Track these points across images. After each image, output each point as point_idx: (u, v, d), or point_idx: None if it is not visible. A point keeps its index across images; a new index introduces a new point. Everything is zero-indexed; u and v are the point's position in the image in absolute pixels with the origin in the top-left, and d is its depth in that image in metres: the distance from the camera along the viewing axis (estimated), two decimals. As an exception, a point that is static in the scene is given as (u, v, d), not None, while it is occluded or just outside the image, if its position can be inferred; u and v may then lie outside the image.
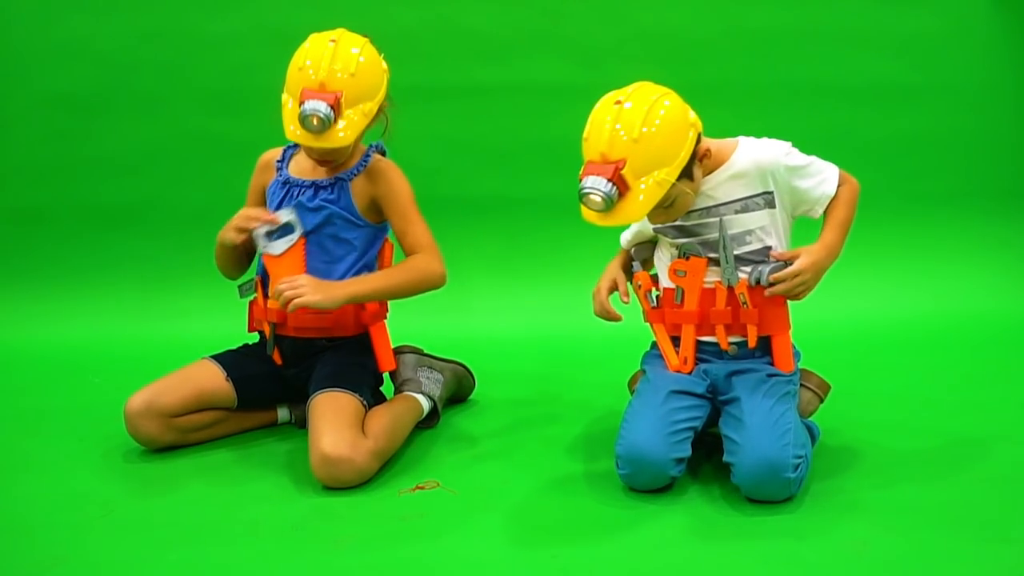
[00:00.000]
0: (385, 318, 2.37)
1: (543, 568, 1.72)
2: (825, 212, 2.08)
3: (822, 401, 2.19)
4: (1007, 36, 3.49)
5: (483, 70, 3.42)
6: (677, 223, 2.06)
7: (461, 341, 2.88)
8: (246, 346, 2.41)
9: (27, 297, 3.34)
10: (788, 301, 2.08)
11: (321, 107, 2.12)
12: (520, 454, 2.25)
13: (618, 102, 1.93)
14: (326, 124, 2.13)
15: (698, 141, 1.97)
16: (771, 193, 2.03)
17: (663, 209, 1.99)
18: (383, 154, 2.36)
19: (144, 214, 3.39)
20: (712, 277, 2.06)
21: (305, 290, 2.14)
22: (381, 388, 2.40)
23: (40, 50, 3.38)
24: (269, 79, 3.40)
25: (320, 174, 2.31)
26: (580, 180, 1.91)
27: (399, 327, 2.47)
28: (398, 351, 2.46)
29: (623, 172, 1.88)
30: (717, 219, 2.03)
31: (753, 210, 2.03)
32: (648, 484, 1.97)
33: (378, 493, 2.04)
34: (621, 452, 1.98)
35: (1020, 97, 3.50)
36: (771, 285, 2.01)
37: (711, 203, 2.04)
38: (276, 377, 2.35)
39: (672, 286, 2.09)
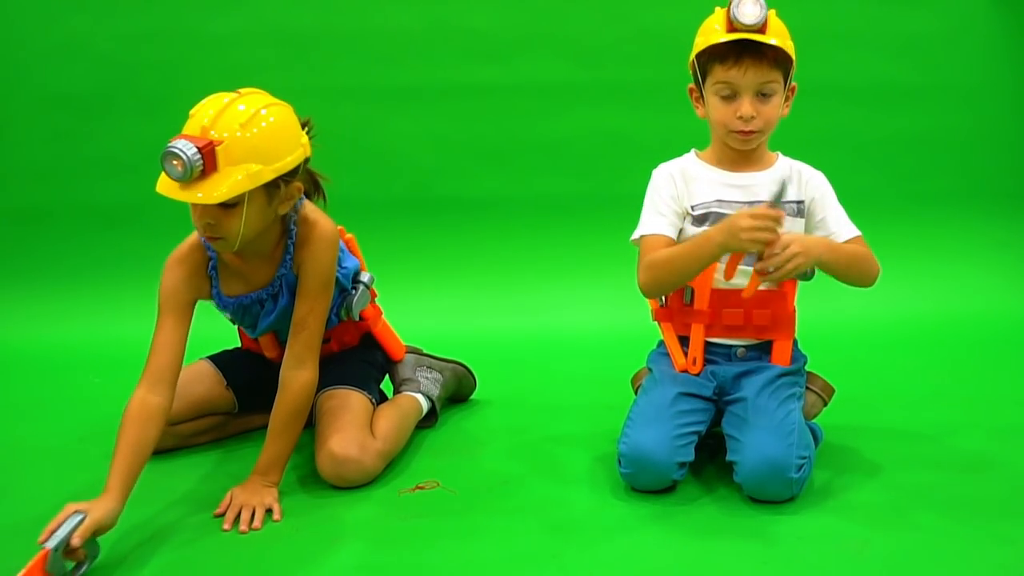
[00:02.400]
0: (381, 317, 2.37)
1: (543, 568, 1.72)
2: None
3: (826, 404, 2.19)
4: (1007, 36, 3.49)
5: (483, 70, 3.42)
6: (718, 209, 2.03)
7: (461, 341, 2.87)
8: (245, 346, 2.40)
9: (27, 297, 3.34)
10: (795, 309, 2.07)
11: (188, 150, 1.77)
12: (520, 454, 2.25)
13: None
14: (189, 171, 1.77)
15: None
16: (802, 202, 2.06)
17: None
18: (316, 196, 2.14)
19: (144, 214, 3.38)
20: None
21: (253, 502, 1.92)
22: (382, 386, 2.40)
23: (40, 50, 3.38)
24: (269, 79, 3.41)
25: (257, 282, 2.08)
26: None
27: (399, 327, 2.47)
28: (397, 352, 2.45)
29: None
30: None
31: (790, 215, 2.02)
32: (649, 485, 1.97)
33: (378, 493, 2.04)
34: (624, 451, 1.98)
35: (1020, 97, 3.51)
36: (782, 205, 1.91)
37: (753, 198, 2.03)
38: (276, 378, 2.34)
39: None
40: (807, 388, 2.16)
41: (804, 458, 1.93)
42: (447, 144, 3.44)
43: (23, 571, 1.67)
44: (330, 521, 1.91)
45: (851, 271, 2.02)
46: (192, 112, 1.88)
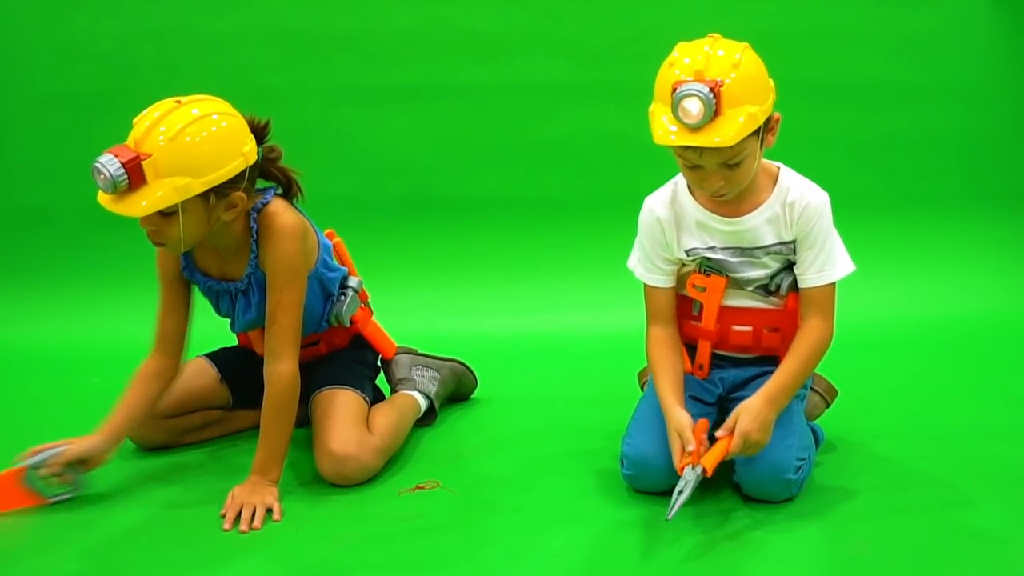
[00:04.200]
0: (371, 318, 2.37)
1: (543, 568, 1.72)
2: (799, 327, 1.96)
3: (828, 406, 2.19)
4: (1007, 36, 3.49)
5: (483, 70, 3.42)
6: (711, 254, 1.97)
7: (461, 341, 2.87)
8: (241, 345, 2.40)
9: (27, 296, 3.34)
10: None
11: (111, 165, 1.82)
12: (521, 454, 2.25)
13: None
14: (113, 185, 1.82)
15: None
16: (792, 243, 1.96)
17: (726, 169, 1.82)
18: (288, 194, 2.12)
19: (144, 214, 3.39)
20: (730, 300, 2.00)
21: (253, 501, 1.93)
22: (376, 382, 2.40)
23: (40, 50, 3.38)
24: (269, 79, 3.42)
25: (230, 273, 2.10)
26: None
27: (399, 327, 2.47)
28: (392, 352, 2.45)
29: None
30: (751, 260, 1.97)
31: (786, 254, 1.97)
32: (651, 487, 1.97)
33: (378, 493, 2.04)
34: (628, 452, 1.97)
35: (1020, 97, 3.50)
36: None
37: (747, 245, 1.96)
38: None
39: (689, 295, 2.04)
40: (811, 389, 2.16)
41: (803, 459, 1.93)
42: (447, 144, 3.44)
43: None
44: (330, 521, 1.92)
45: (807, 374, 1.97)
46: (135, 120, 1.92)
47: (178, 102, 1.92)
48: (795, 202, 1.93)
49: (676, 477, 1.94)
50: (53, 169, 3.41)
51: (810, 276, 1.95)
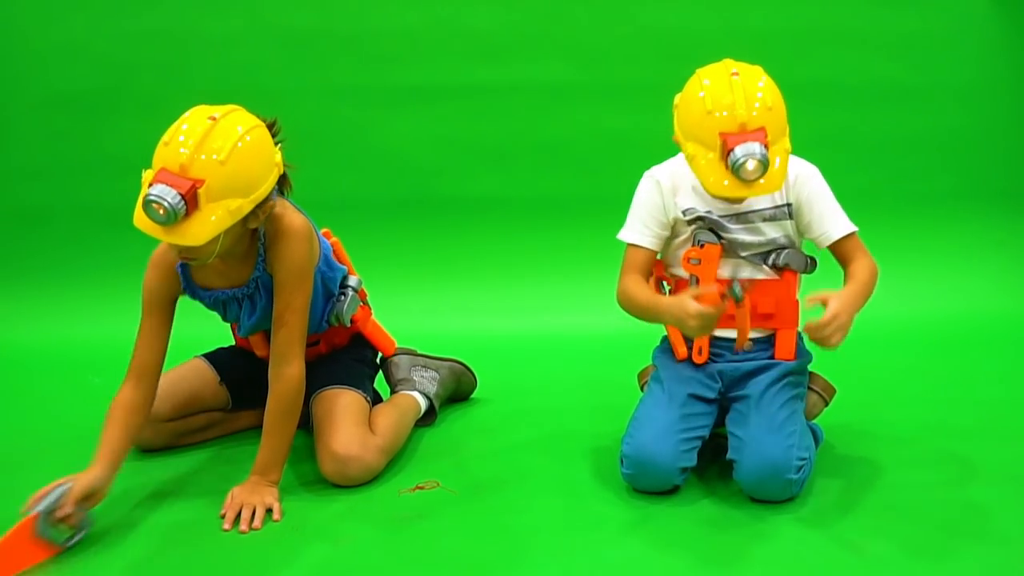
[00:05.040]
0: (370, 317, 2.37)
1: (543, 568, 1.72)
2: (846, 272, 2.02)
3: (827, 404, 2.19)
4: (1007, 36, 3.49)
5: (483, 70, 3.42)
6: (707, 215, 2.01)
7: (461, 341, 2.87)
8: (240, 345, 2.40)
9: (28, 297, 3.34)
10: (798, 300, 2.06)
11: (168, 195, 1.77)
12: (521, 453, 2.25)
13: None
14: (172, 217, 1.78)
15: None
16: (791, 205, 2.02)
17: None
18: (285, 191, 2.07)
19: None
20: (725, 269, 2.03)
21: (254, 501, 1.92)
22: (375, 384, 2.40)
23: (40, 50, 3.38)
24: (269, 79, 3.42)
25: (233, 280, 2.07)
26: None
27: (399, 327, 2.47)
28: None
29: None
30: (746, 224, 2.01)
31: (780, 219, 2.02)
32: (651, 487, 1.97)
33: (378, 493, 2.04)
34: (628, 451, 1.98)
35: (1020, 97, 3.50)
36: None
37: (743, 209, 2.01)
38: (267, 375, 2.34)
39: (685, 275, 2.05)
40: (809, 388, 2.16)
41: (804, 459, 1.93)
42: (447, 144, 3.44)
43: (9, 532, 1.68)
44: (330, 521, 1.92)
45: (868, 296, 2.00)
46: (166, 139, 1.84)
47: (212, 118, 1.85)
48: (791, 171, 1.99)
49: (676, 477, 1.95)
50: (53, 169, 3.41)
51: (833, 231, 2.01)
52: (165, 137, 1.84)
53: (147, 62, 3.38)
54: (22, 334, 3.21)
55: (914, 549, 1.74)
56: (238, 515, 1.90)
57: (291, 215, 2.04)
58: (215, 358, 2.33)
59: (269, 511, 1.93)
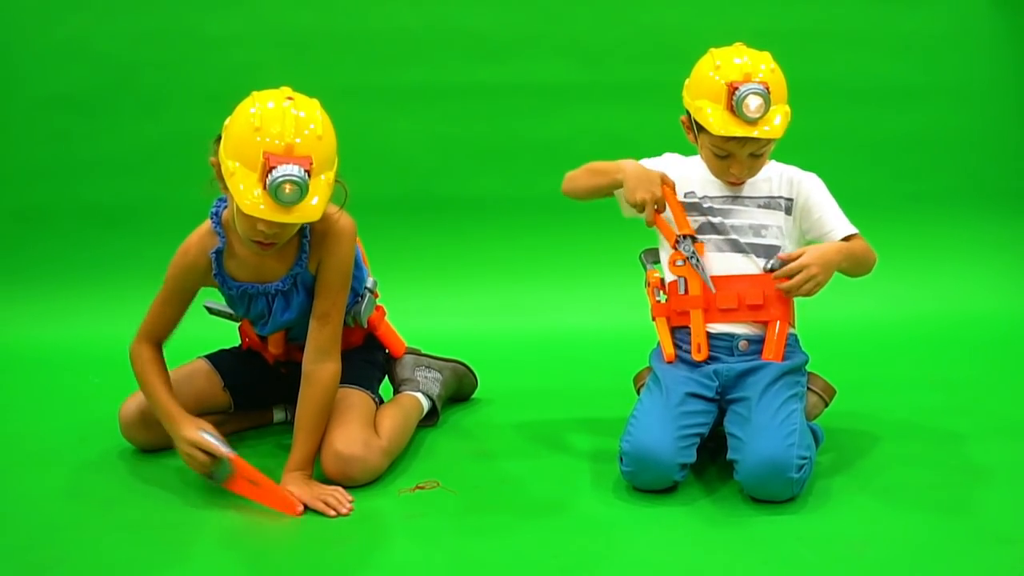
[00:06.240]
0: (384, 318, 2.38)
1: (543, 568, 1.72)
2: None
3: (827, 405, 2.19)
4: (1007, 36, 3.49)
5: (483, 70, 3.42)
6: (701, 203, 2.12)
7: (461, 341, 2.87)
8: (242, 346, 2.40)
9: (27, 297, 3.34)
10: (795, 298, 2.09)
11: (295, 171, 1.79)
12: (521, 453, 2.25)
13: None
14: (301, 195, 1.81)
15: None
16: (792, 200, 2.12)
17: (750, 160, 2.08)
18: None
19: (144, 214, 3.38)
20: (715, 265, 2.09)
21: (326, 490, 1.97)
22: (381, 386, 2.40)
23: (40, 50, 3.38)
24: (269, 79, 3.40)
25: (266, 276, 2.08)
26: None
27: (399, 327, 2.47)
28: (395, 354, 2.45)
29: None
30: (740, 208, 2.12)
31: (774, 209, 2.12)
32: (650, 484, 1.97)
33: (378, 493, 2.04)
34: (627, 449, 1.98)
35: (1020, 97, 3.51)
36: (783, 265, 2.04)
37: (738, 192, 2.12)
38: (273, 376, 2.34)
39: (675, 278, 2.11)
40: (808, 389, 2.17)
41: (805, 459, 1.93)
42: (447, 144, 3.44)
43: (241, 478, 1.96)
44: (330, 521, 1.91)
45: (859, 269, 2.14)
46: (257, 125, 1.83)
47: (290, 99, 1.89)
48: (790, 175, 2.15)
49: (676, 473, 1.95)
50: (53, 169, 3.41)
51: (840, 230, 2.11)
52: (251, 123, 1.84)
53: (147, 62, 3.38)
54: (22, 334, 3.21)
55: (914, 549, 1.74)
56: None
57: (342, 216, 2.05)
58: (219, 361, 2.31)
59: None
